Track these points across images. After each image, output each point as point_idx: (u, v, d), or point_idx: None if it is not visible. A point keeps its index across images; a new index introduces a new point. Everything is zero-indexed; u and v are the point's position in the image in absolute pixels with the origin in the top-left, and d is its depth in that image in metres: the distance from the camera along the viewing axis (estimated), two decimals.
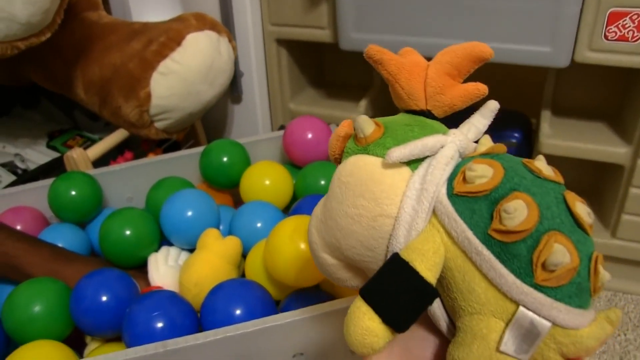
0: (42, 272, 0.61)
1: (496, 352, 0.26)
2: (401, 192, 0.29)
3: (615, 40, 0.79)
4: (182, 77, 0.81)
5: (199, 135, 1.03)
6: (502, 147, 0.31)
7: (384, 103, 1.09)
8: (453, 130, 0.32)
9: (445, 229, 0.27)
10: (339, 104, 1.04)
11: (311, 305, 0.47)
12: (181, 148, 1.03)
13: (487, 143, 0.32)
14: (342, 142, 0.32)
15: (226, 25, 0.94)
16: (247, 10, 0.94)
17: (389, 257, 0.28)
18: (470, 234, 0.27)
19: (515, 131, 1.02)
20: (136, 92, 0.81)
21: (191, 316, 0.51)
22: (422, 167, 0.29)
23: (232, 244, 0.61)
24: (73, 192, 0.72)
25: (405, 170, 0.29)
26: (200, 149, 0.81)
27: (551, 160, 1.01)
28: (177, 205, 0.67)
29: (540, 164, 0.30)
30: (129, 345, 0.48)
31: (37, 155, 0.96)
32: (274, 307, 0.52)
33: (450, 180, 0.29)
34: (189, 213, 0.66)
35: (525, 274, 0.26)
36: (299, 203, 0.67)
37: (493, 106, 0.32)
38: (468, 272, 0.27)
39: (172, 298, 0.51)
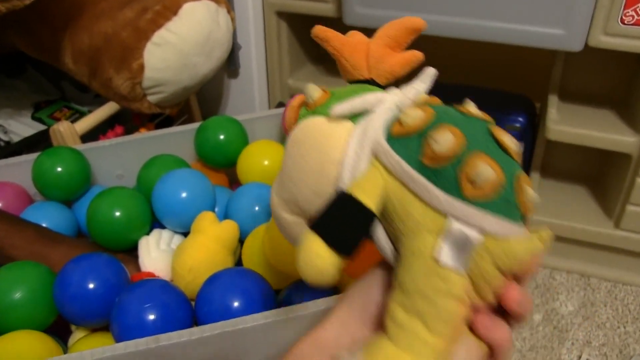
0: (25, 255, 0.57)
1: (435, 264, 0.27)
2: (345, 140, 0.32)
3: (631, 24, 0.75)
4: (177, 49, 0.77)
5: (193, 110, 0.99)
6: (437, 100, 0.34)
7: None
8: (393, 89, 0.35)
9: (385, 166, 0.30)
10: (340, 81, 1.00)
11: (314, 300, 0.45)
12: (174, 123, 0.99)
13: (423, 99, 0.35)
14: (296, 111, 0.36)
15: None
16: None
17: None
18: (405, 164, 0.29)
19: (519, 115, 0.99)
20: (128, 63, 0.76)
21: (185, 308, 0.47)
22: (364, 119, 0.32)
23: (229, 228, 0.58)
24: (59, 169, 0.68)
25: (349, 123, 0.32)
26: (195, 125, 0.77)
27: (555, 145, 0.99)
28: (171, 186, 0.63)
29: (469, 106, 0.33)
30: (118, 339, 0.45)
31: (22, 127, 0.92)
32: (274, 299, 0.49)
33: (388, 131, 0.32)
34: (183, 194, 0.62)
35: (455, 190, 0.28)
36: None
37: (431, 72, 0.35)
38: (405, 198, 0.29)
39: (165, 287, 0.48)
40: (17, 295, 0.50)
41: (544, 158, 1.01)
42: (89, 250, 0.59)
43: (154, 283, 0.49)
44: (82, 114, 0.96)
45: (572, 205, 0.97)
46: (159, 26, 0.76)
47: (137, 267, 0.59)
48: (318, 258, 0.28)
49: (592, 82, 0.96)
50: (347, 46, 0.37)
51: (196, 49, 0.78)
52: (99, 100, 0.99)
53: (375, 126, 0.31)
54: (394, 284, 0.29)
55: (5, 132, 0.91)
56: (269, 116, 0.81)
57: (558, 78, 0.94)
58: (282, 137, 0.80)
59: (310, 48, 1.05)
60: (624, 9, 0.75)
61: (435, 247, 0.28)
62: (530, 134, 0.99)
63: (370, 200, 0.29)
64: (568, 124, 0.88)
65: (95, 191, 0.70)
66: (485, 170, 0.27)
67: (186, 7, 0.76)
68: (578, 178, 1.02)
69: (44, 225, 0.63)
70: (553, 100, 0.92)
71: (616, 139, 0.85)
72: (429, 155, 0.29)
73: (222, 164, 0.74)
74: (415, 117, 0.30)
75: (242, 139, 0.75)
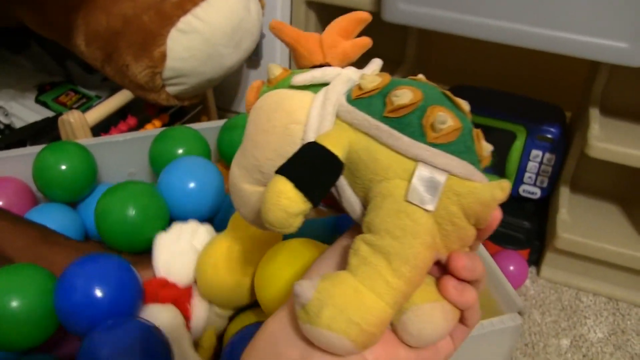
0: (27, 258, 0.51)
1: (404, 203, 0.28)
2: (308, 104, 0.33)
3: None
4: (204, 37, 0.70)
5: (209, 101, 0.92)
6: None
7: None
8: (349, 67, 0.37)
9: (348, 123, 0.31)
10: None
11: None
12: (187, 114, 0.92)
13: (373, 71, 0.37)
14: (257, 92, 0.36)
15: None
16: None
17: None
18: (369, 117, 0.31)
19: (552, 126, 0.94)
20: (149, 50, 0.69)
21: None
22: (324, 88, 0.34)
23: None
24: (63, 167, 0.61)
25: (310, 93, 0.34)
26: (216, 123, 0.71)
27: (589, 160, 0.93)
28: (179, 174, 0.59)
29: (421, 76, 0.35)
30: None
31: (24, 110, 0.85)
32: None
33: (348, 95, 0.33)
34: (191, 184, 0.58)
35: (419, 135, 0.30)
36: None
37: (378, 61, 0.38)
38: (370, 146, 0.30)
39: (145, 332, 0.41)
40: (14, 303, 0.43)
41: (575, 172, 0.96)
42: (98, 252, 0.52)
43: (131, 325, 0.42)
44: (89, 99, 0.89)
45: (603, 224, 0.92)
46: (185, 11, 0.69)
47: (152, 270, 0.52)
48: (286, 199, 0.28)
49: (635, 98, 0.91)
50: (302, 36, 0.39)
51: (225, 38, 0.71)
52: (107, 84, 0.92)
53: (337, 90, 0.33)
54: (361, 229, 0.30)
55: (7, 115, 0.83)
56: None
57: (599, 91, 0.89)
58: None
59: None
60: None
61: (408, 190, 0.29)
62: (562, 146, 0.94)
63: (336, 149, 0.30)
64: (611, 141, 0.83)
65: (101, 190, 0.64)
66: (444, 117, 0.29)
67: None
68: (610, 196, 0.98)
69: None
70: (594, 115, 0.87)
71: None
72: (391, 108, 0.30)
73: None
74: (374, 80, 0.32)
75: None
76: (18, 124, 0.84)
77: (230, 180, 0.36)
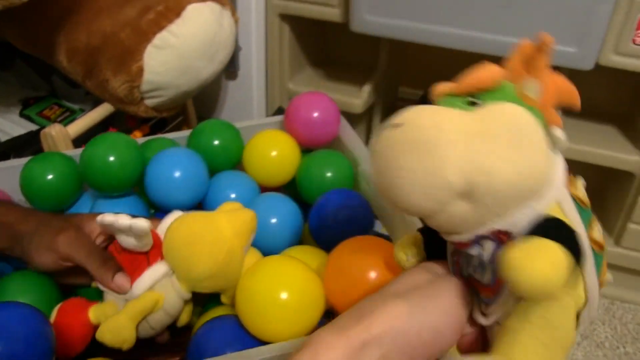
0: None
1: None
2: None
3: None
4: (179, 52, 0.74)
5: (189, 113, 0.96)
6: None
7: (389, 86, 1.03)
8: None
9: (566, 215, 0.30)
10: (342, 87, 0.98)
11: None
12: (168, 125, 0.96)
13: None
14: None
15: None
16: None
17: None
18: (583, 230, 0.31)
19: None
20: (127, 65, 0.73)
21: None
22: (558, 157, 0.31)
23: (246, 216, 0.49)
24: (50, 176, 0.64)
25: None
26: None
27: None
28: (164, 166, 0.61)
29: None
30: None
31: (8, 124, 0.88)
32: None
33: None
34: (177, 174, 0.60)
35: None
36: (322, 199, 0.60)
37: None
38: None
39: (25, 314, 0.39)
40: None
41: None
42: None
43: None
44: (73, 112, 0.92)
45: None
46: (160, 28, 0.72)
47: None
48: (563, 271, 0.26)
49: (595, 100, 0.95)
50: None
51: (199, 52, 0.75)
52: (90, 97, 0.95)
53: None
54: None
55: None
56: (268, 123, 0.79)
57: None
58: None
59: (311, 52, 1.02)
60: (637, 29, 0.74)
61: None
62: None
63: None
64: (571, 140, 0.87)
65: (87, 199, 0.67)
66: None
67: (190, 9, 0.73)
68: None
69: None
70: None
71: (620, 157, 0.85)
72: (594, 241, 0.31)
73: (216, 172, 0.71)
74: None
75: (238, 146, 0.72)
76: (2, 137, 0.87)
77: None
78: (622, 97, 0.93)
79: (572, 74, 0.91)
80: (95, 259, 0.46)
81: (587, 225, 0.32)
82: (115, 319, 0.43)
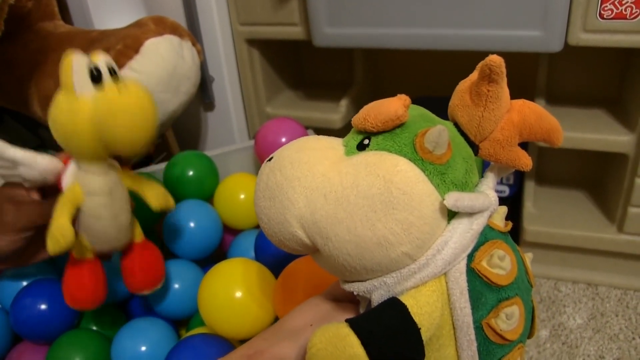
0: None
1: None
2: (434, 243, 0.28)
3: (611, 18, 0.72)
4: None
5: (171, 147, 0.96)
6: (509, 225, 0.34)
7: (366, 100, 1.02)
8: (491, 192, 0.33)
9: (449, 297, 0.28)
10: (319, 104, 0.97)
11: None
12: (153, 161, 0.97)
13: (502, 213, 0.33)
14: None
15: (192, 27, 0.88)
16: (213, 10, 0.87)
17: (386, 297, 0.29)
18: (470, 319, 0.28)
19: None
20: None
21: None
22: (461, 224, 0.29)
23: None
24: None
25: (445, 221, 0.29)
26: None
27: (549, 151, 0.95)
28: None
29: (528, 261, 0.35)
30: None
31: None
32: None
33: (474, 249, 0.30)
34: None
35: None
36: None
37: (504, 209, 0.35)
38: (448, 346, 0.28)
39: None
40: None
41: (538, 165, 0.97)
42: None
43: None
44: None
45: (572, 212, 0.92)
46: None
47: None
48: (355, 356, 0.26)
49: (579, 83, 0.93)
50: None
51: (161, 85, 0.76)
52: None
53: (465, 247, 0.29)
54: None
55: None
56: (244, 148, 0.79)
57: (544, 82, 0.91)
58: (257, 168, 0.77)
59: (285, 74, 1.02)
60: (602, 3, 0.72)
61: None
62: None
63: (424, 331, 0.27)
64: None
65: None
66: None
67: (148, 44, 0.74)
68: (575, 183, 0.98)
69: None
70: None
71: (610, 139, 0.81)
72: (494, 329, 0.29)
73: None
74: (504, 269, 0.30)
75: (212, 175, 0.74)
76: None
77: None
78: (604, 78, 0.90)
79: (553, 61, 0.89)
80: (47, 205, 0.49)
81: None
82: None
